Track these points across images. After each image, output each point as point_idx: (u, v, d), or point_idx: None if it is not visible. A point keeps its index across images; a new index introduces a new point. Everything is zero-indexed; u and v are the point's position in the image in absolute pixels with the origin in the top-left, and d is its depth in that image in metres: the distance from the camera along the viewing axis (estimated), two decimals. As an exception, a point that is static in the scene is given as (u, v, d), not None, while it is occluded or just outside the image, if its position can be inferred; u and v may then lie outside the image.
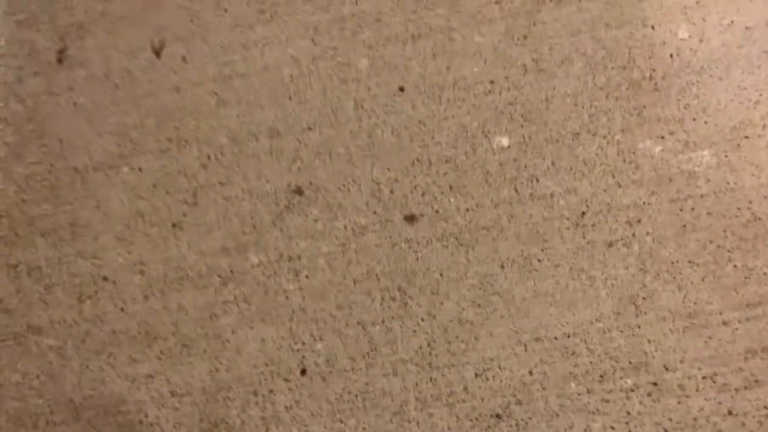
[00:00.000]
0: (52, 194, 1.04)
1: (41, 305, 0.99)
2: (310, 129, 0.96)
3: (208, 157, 1.00)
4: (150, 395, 0.86)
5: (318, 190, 0.91)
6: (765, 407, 0.72)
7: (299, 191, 0.92)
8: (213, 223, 0.92)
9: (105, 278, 0.92)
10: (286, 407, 0.82)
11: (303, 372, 0.82)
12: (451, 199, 0.88)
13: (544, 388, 0.77)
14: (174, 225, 0.93)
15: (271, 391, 0.83)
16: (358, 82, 0.91)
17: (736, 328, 0.75)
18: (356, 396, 0.81)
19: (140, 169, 1.00)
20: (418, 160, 0.90)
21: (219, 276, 0.89)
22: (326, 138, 0.92)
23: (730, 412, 0.73)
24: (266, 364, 0.84)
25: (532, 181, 0.91)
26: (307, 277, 0.87)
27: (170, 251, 0.91)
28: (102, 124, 0.94)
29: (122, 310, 0.90)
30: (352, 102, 0.91)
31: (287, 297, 0.87)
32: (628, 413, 0.75)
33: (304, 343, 0.84)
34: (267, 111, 0.92)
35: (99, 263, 0.94)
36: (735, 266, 0.77)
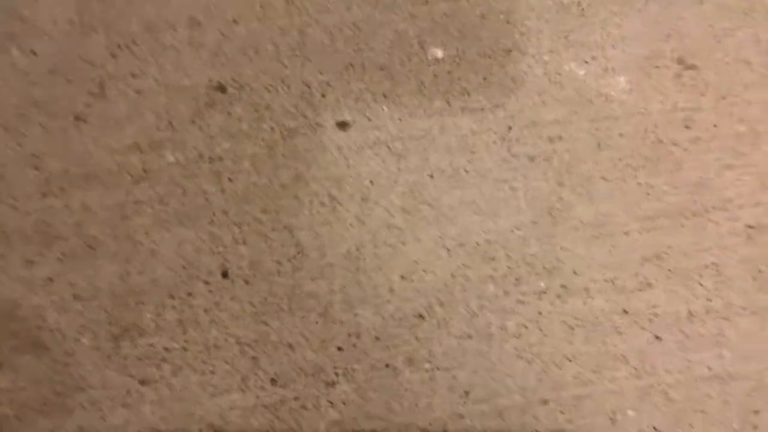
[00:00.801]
0: None
1: None
2: (235, 22, 0.89)
3: (118, 46, 0.89)
4: (50, 299, 0.75)
5: (242, 88, 0.80)
6: (653, 306, 0.76)
7: (222, 88, 0.80)
8: (123, 117, 0.78)
9: None
10: (205, 309, 0.75)
11: (224, 275, 0.76)
12: (385, 107, 0.80)
13: (465, 290, 0.77)
14: (76, 117, 0.78)
15: (189, 293, 0.76)
16: (293, -27, 0.76)
17: (636, 239, 0.77)
18: (281, 299, 0.76)
19: (34, 53, 0.88)
20: (351, 64, 0.81)
21: (130, 174, 0.78)
22: (253, 32, 0.81)
23: (625, 311, 0.76)
24: (184, 267, 0.76)
25: (463, 95, 0.80)
26: (230, 179, 0.78)
27: (72, 145, 0.78)
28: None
29: (14, 207, 0.77)
30: (286, -5, 0.77)
31: (207, 199, 0.78)
32: (540, 313, 0.76)
33: (225, 246, 0.77)
34: (189, -6, 0.75)
35: None
36: (639, 183, 0.78)
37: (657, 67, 0.82)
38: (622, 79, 0.82)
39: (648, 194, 0.79)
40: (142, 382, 0.73)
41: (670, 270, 0.77)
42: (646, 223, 0.78)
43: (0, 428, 0.72)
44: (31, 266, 0.76)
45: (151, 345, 0.74)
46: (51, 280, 0.75)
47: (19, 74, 0.81)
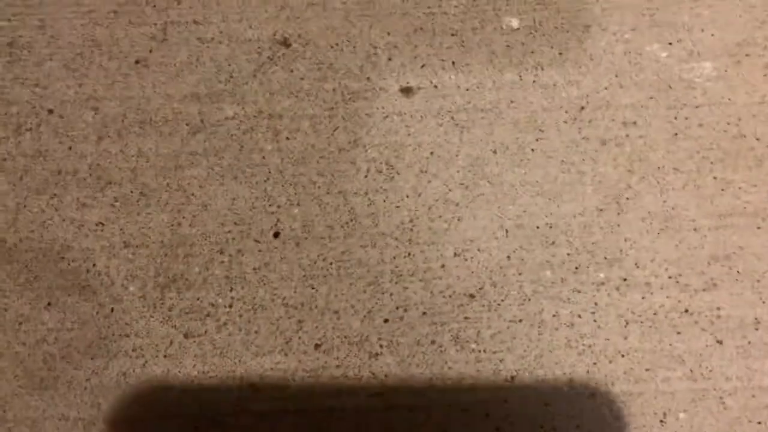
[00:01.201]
0: (-15, 5, 0.87)
1: (-32, 132, 0.82)
2: (305, -25, 0.85)
3: (182, -9, 0.86)
4: (100, 244, 0.74)
5: (307, 44, 0.78)
6: (717, 309, 0.72)
7: (286, 43, 0.78)
8: (184, 65, 0.77)
9: (50, 111, 0.77)
10: (254, 268, 0.74)
11: (276, 235, 0.75)
12: (452, 76, 0.77)
13: (519, 274, 0.74)
14: (137, 61, 0.77)
15: (239, 251, 0.74)
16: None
17: (705, 235, 0.74)
18: (331, 263, 0.74)
19: (98, -9, 0.85)
20: (421, 28, 0.78)
21: (187, 124, 0.76)
22: (323, -12, 0.74)
23: (686, 311, 0.73)
24: (236, 223, 0.75)
25: (536, 69, 0.76)
26: (287, 138, 0.76)
27: (131, 90, 0.77)
28: None
29: (70, 148, 0.76)
30: (362, -51, 0.73)
31: (264, 157, 0.76)
32: (596, 304, 0.73)
33: (279, 206, 0.75)
34: (263, -60, 0.72)
35: (42, 93, 0.77)
36: (715, 177, 0.74)
37: (748, 55, 0.77)
38: (708, 65, 0.77)
39: (723, 190, 0.74)
40: (186, 335, 0.73)
41: (739, 272, 0.73)
42: (718, 221, 0.74)
43: (46, 367, 0.73)
44: (84, 209, 0.75)
45: (198, 299, 0.74)
46: (102, 224, 0.75)
47: (82, 12, 0.80)
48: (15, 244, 0.74)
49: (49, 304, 0.74)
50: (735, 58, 0.76)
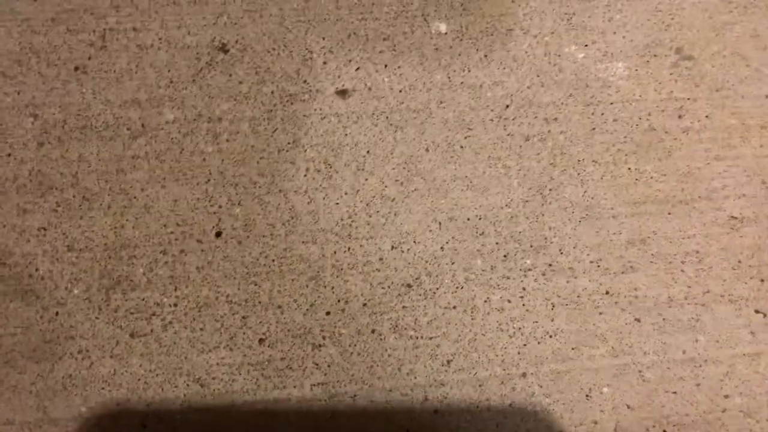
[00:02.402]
0: None
1: None
2: (241, -17, 0.88)
3: (120, -1, 0.88)
4: (42, 248, 0.76)
5: (245, 50, 0.80)
6: (635, 289, 0.78)
7: (224, 48, 0.81)
8: (124, 71, 0.79)
9: None
10: (197, 267, 0.76)
11: (218, 234, 0.77)
12: (385, 78, 0.81)
13: (452, 263, 0.78)
14: (77, 68, 0.79)
15: (182, 251, 0.76)
16: (302, -64, 0.75)
17: (623, 222, 0.79)
18: (273, 260, 0.77)
19: None
20: (354, 33, 0.82)
21: (128, 129, 0.78)
22: (259, -5, 0.76)
23: (607, 293, 0.78)
24: (178, 224, 0.77)
25: (464, 70, 0.81)
26: (227, 140, 0.79)
27: (71, 96, 0.78)
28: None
29: (9, 155, 0.77)
30: (294, -42, 0.76)
31: (204, 159, 0.78)
32: (524, 289, 0.78)
33: (220, 207, 0.78)
34: (196, -51, 0.74)
35: None
36: (629, 168, 0.80)
37: (655, 55, 0.84)
38: (620, 65, 0.83)
39: (637, 180, 0.81)
40: (132, 335, 0.75)
41: (653, 255, 0.80)
42: (633, 208, 0.81)
43: (-12, 371, 0.73)
44: (25, 215, 0.77)
45: (142, 299, 0.76)
46: (44, 229, 0.76)
47: (20, 20, 0.81)
48: (-46, 252, 0.75)
49: (-9, 310, 0.74)
50: (644, 58, 0.83)
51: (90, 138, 0.77)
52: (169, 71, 0.79)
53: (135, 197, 0.76)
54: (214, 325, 0.75)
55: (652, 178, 0.80)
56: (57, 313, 0.74)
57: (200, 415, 0.73)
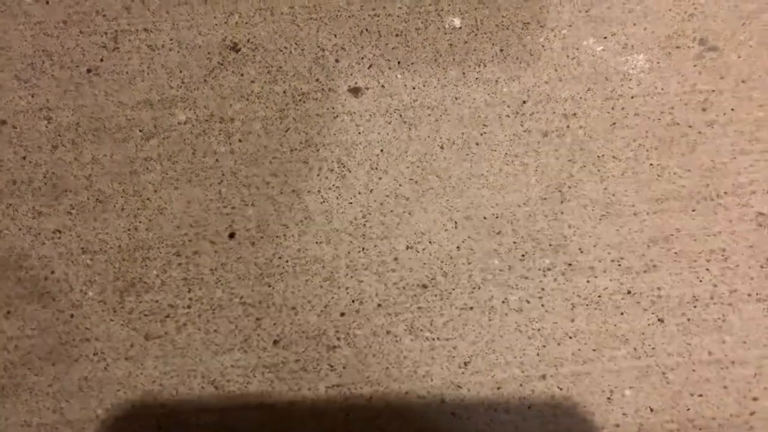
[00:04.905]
0: (-66, 19, 0.87)
1: None
2: (252, -19, 0.88)
3: None
4: (57, 251, 0.76)
5: (256, 49, 0.80)
6: (658, 289, 0.76)
7: (235, 48, 0.80)
8: (136, 72, 0.79)
9: (3, 122, 0.79)
10: (211, 269, 0.76)
11: (231, 235, 0.77)
12: (399, 75, 0.80)
13: (469, 263, 0.77)
14: (89, 70, 0.79)
15: (195, 252, 0.76)
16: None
17: (644, 220, 0.77)
18: (286, 261, 0.76)
19: (47, 2, 0.88)
20: (367, 29, 0.81)
21: (141, 130, 0.78)
22: (270, -7, 0.75)
23: (629, 292, 0.76)
24: (191, 226, 0.77)
25: (479, 65, 0.80)
26: (240, 140, 0.79)
27: (84, 99, 0.79)
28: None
29: (24, 158, 0.78)
30: (304, -46, 0.74)
31: (217, 159, 0.78)
32: (543, 289, 0.77)
33: (233, 208, 0.77)
34: (206, -52, 0.73)
35: None
36: (651, 164, 0.78)
37: (678, 47, 0.82)
38: (641, 58, 0.81)
39: (659, 176, 0.79)
40: (146, 337, 0.76)
41: (677, 253, 0.78)
42: (655, 205, 0.79)
43: (7, 375, 0.74)
44: (40, 217, 0.77)
45: (156, 301, 0.76)
46: (59, 232, 0.77)
47: (33, 23, 0.82)
48: (-28, 255, 0.76)
49: (8, 312, 0.75)
50: (666, 50, 0.81)
51: (103, 140, 0.78)
52: (180, 72, 0.79)
53: (148, 199, 0.77)
54: (228, 326, 0.75)
55: (675, 173, 0.78)
56: (72, 316, 0.75)
57: (215, 417, 0.73)
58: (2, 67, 0.79)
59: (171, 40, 0.80)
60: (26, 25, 0.79)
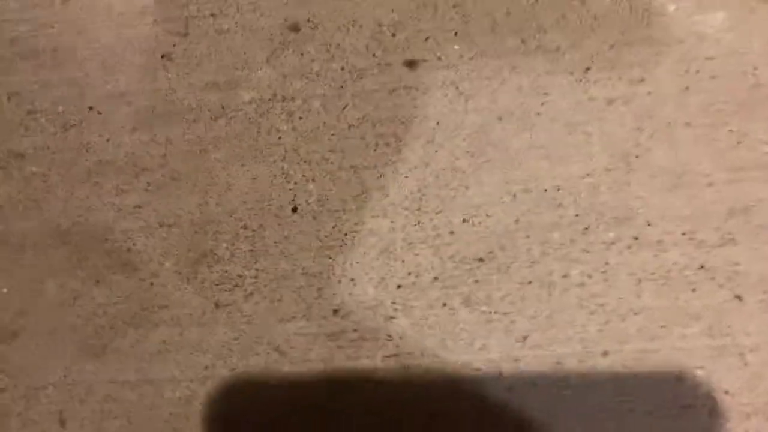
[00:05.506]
0: (32, 16, 1.00)
1: (22, 131, 0.87)
2: (310, -39, 0.90)
3: (200, -13, 0.94)
4: (138, 225, 0.82)
5: (316, 27, 0.82)
6: (736, 264, 0.72)
7: (295, 28, 0.83)
8: (203, 56, 0.83)
9: (90, 108, 0.85)
10: (275, 241, 0.80)
11: (294, 209, 0.80)
12: (456, 46, 0.79)
13: (528, 237, 0.76)
14: (163, 56, 0.84)
15: (261, 225, 0.80)
16: None
17: (721, 190, 0.73)
18: (345, 234, 0.79)
19: (126, -5, 0.94)
20: (424, 4, 0.80)
21: (209, 111, 0.83)
22: (327, -28, 0.76)
23: (702, 267, 0.72)
24: (257, 201, 0.81)
25: (539, 33, 0.77)
26: (300, 118, 0.81)
27: (159, 83, 0.84)
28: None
29: (108, 140, 0.84)
30: (359, -70, 0.75)
31: (280, 137, 0.81)
32: (607, 263, 0.74)
33: (296, 183, 0.81)
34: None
35: (83, 92, 0.85)
36: (730, 130, 0.73)
37: (764, 0, 0.75)
38: (719, 15, 0.76)
39: (739, 143, 0.74)
40: (217, 305, 0.81)
41: (758, 226, 0.72)
42: (733, 174, 0.73)
43: (96, 336, 0.82)
44: (122, 194, 0.84)
45: (226, 271, 0.81)
46: (139, 207, 0.83)
47: (114, 15, 0.89)
48: (68, 228, 0.84)
49: (97, 281, 0.83)
50: (748, 5, 0.75)
51: (176, 121, 0.83)
52: (244, 53, 0.83)
53: (217, 176, 0.81)
54: (292, 296, 0.79)
55: (758, 140, 0.73)
56: (152, 284, 0.81)
57: (278, 381, 0.77)
58: (91, 57, 0.86)
59: (236, 23, 0.83)
60: (109, 17, 0.86)
